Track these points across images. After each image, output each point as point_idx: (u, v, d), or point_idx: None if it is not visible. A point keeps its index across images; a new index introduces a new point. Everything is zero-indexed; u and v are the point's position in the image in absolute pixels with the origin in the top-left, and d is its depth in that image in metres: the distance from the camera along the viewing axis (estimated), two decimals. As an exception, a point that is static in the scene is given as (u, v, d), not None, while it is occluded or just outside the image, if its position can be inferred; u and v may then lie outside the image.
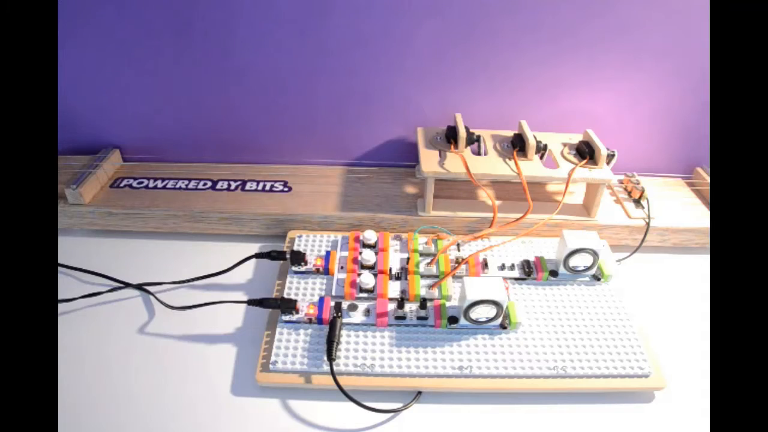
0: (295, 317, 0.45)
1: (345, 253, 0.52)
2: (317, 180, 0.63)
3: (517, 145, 0.56)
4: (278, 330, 0.45)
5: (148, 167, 0.65)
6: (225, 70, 0.60)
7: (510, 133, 0.59)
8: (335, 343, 0.43)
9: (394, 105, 0.63)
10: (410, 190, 0.62)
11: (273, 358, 0.42)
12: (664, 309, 0.51)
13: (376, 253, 0.52)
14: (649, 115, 0.63)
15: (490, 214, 0.55)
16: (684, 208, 0.60)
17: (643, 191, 0.59)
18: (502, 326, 0.45)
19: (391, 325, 0.45)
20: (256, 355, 0.44)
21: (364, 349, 0.43)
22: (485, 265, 0.51)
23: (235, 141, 0.66)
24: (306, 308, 0.46)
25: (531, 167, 0.55)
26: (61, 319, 0.48)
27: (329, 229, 0.58)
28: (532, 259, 0.52)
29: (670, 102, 0.62)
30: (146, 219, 0.58)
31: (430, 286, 0.48)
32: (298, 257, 0.50)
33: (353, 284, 0.48)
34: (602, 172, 0.54)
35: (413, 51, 0.58)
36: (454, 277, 0.50)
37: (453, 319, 0.45)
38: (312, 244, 0.54)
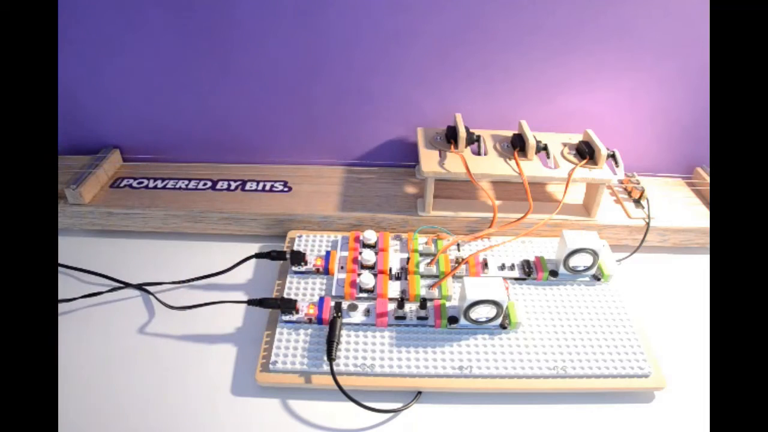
0: (295, 317, 0.45)
1: (345, 253, 0.52)
2: (317, 180, 0.63)
3: (517, 145, 0.56)
4: (278, 330, 0.45)
5: (148, 167, 0.65)
6: (225, 70, 0.60)
7: (510, 133, 0.59)
8: (335, 343, 0.43)
9: (394, 105, 0.63)
10: (410, 190, 0.62)
11: (273, 358, 0.42)
12: (664, 309, 0.51)
13: (376, 253, 0.52)
14: (649, 115, 0.63)
15: (490, 214, 0.55)
16: (684, 208, 0.60)
17: (643, 191, 0.59)
18: (502, 326, 0.45)
19: (391, 325, 0.45)
20: (256, 355, 0.44)
21: (364, 349, 0.43)
22: (485, 265, 0.51)
23: (235, 141, 0.66)
24: (306, 308, 0.46)
25: (531, 167, 0.55)
26: (61, 319, 0.48)
27: (329, 229, 0.58)
28: (532, 259, 0.52)
29: (670, 102, 0.62)
30: (146, 219, 0.58)
31: (430, 286, 0.48)
32: (298, 257, 0.50)
33: (353, 284, 0.48)
34: (602, 172, 0.54)
35: (413, 51, 0.58)
36: (454, 277, 0.50)
37: (453, 319, 0.45)
38: (312, 244, 0.54)
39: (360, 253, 0.51)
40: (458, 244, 0.54)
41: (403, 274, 0.50)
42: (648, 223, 0.57)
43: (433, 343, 0.44)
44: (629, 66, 0.59)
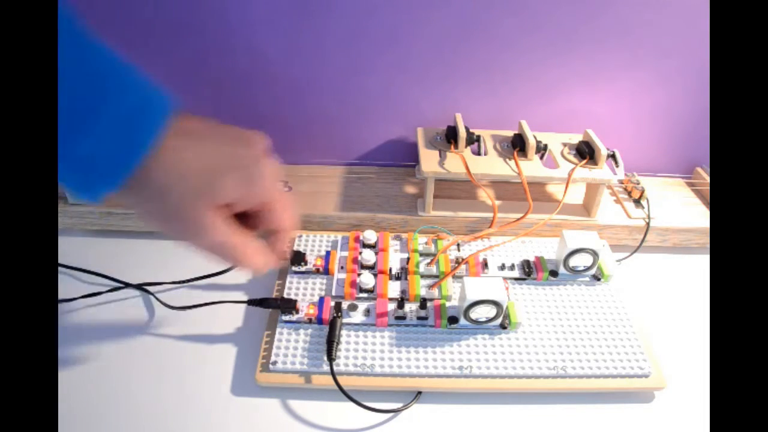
0: (295, 317, 0.45)
1: (345, 253, 0.52)
2: (317, 180, 0.63)
3: (517, 145, 0.56)
4: (278, 330, 0.45)
5: (148, 167, 0.65)
6: (224, 70, 0.60)
7: (510, 133, 0.59)
8: (335, 343, 0.43)
9: (394, 105, 0.62)
10: (410, 190, 0.62)
11: (273, 358, 0.42)
12: (664, 309, 0.51)
13: (376, 253, 0.52)
14: (649, 115, 0.63)
15: (490, 214, 0.55)
16: (684, 208, 0.60)
17: (643, 191, 0.59)
18: (502, 326, 0.45)
19: (391, 325, 0.45)
20: (256, 355, 0.44)
21: (364, 349, 0.43)
22: (485, 265, 0.51)
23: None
24: (306, 308, 0.46)
25: (531, 167, 0.55)
26: (61, 319, 0.48)
27: (329, 229, 0.58)
28: (532, 259, 0.52)
29: (671, 102, 0.62)
30: (146, 219, 0.58)
31: (430, 286, 0.48)
32: (298, 257, 0.50)
33: (353, 284, 0.48)
34: (602, 172, 0.54)
35: (413, 51, 0.58)
36: (454, 277, 0.50)
37: (453, 319, 0.45)
38: (312, 244, 0.54)
39: (360, 253, 0.51)
40: (458, 244, 0.54)
41: (403, 274, 0.50)
42: (648, 223, 0.57)
43: (433, 343, 0.44)
44: (629, 66, 0.59)
